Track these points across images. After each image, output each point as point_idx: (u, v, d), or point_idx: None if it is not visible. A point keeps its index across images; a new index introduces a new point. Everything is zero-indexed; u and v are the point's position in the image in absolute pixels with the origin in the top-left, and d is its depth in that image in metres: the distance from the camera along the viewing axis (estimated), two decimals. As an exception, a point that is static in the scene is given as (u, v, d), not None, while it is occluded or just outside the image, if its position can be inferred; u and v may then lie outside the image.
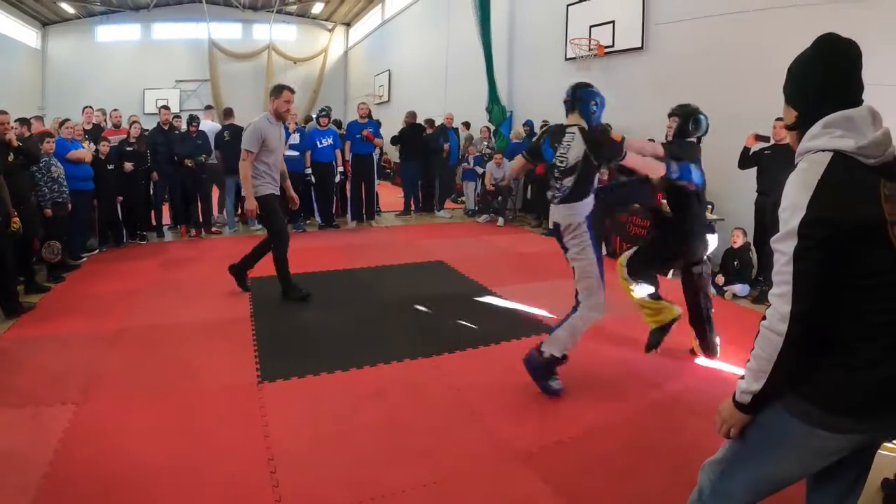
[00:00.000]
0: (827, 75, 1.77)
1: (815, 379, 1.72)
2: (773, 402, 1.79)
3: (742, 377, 1.81)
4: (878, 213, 1.60)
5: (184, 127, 9.61)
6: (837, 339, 1.69)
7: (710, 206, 7.56)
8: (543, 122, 10.94)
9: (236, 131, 9.46)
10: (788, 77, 1.87)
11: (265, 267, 7.21)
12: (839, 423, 1.68)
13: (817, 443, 1.72)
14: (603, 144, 4.02)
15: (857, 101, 1.73)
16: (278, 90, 6.09)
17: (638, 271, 4.86)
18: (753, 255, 6.85)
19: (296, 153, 9.63)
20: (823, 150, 1.67)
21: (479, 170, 12.00)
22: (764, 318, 1.72)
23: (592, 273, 4.14)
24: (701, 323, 4.94)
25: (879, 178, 1.64)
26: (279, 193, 6.27)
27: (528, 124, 11.77)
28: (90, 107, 10.61)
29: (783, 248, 1.66)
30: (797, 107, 1.83)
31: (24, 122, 7.60)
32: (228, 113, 10.37)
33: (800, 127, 1.79)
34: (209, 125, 10.53)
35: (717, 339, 4.91)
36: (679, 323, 4.94)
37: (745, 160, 6.74)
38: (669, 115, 4.82)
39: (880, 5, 6.12)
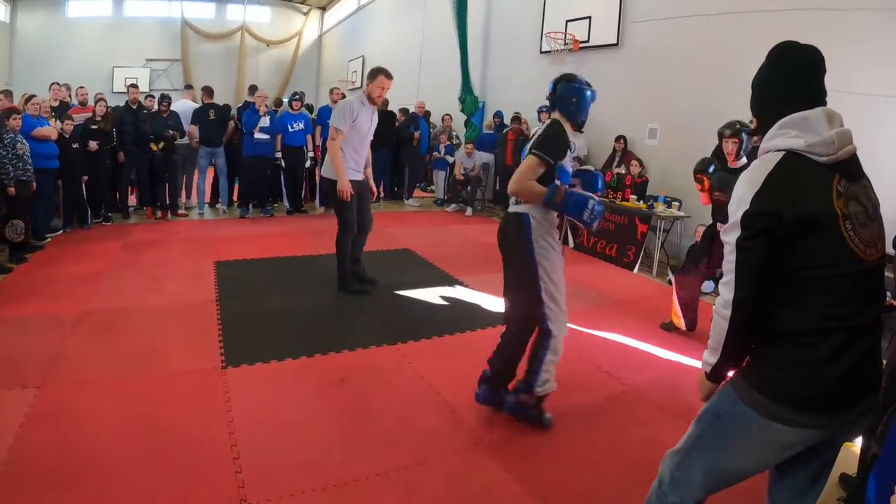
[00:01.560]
0: (783, 82, 1.85)
1: (770, 372, 1.78)
2: (730, 391, 1.87)
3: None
4: (828, 207, 1.67)
5: (155, 106, 9.44)
6: (791, 332, 1.74)
7: (676, 204, 7.67)
8: (515, 113, 10.97)
9: (221, 110, 9.39)
10: (752, 89, 1.95)
11: (234, 251, 7.18)
12: (792, 416, 1.72)
13: (772, 435, 1.77)
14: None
15: (816, 102, 1.80)
16: (374, 74, 5.85)
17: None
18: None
19: (266, 136, 9.54)
20: (777, 150, 1.75)
21: (450, 159, 12.01)
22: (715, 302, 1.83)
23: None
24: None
25: (833, 175, 1.71)
26: (356, 181, 5.85)
27: (498, 115, 11.83)
28: (57, 83, 10.42)
29: (728, 238, 1.76)
30: (758, 114, 1.91)
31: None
32: (209, 92, 10.21)
33: (760, 133, 1.87)
34: (186, 104, 10.36)
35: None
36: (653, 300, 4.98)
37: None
38: (728, 136, 4.71)
39: (846, 11, 6.22)
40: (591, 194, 3.51)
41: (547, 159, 3.38)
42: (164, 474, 3.03)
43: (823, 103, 1.80)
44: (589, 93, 3.59)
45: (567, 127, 3.54)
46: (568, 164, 3.64)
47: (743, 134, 4.68)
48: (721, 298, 1.79)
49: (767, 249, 1.69)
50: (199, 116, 9.76)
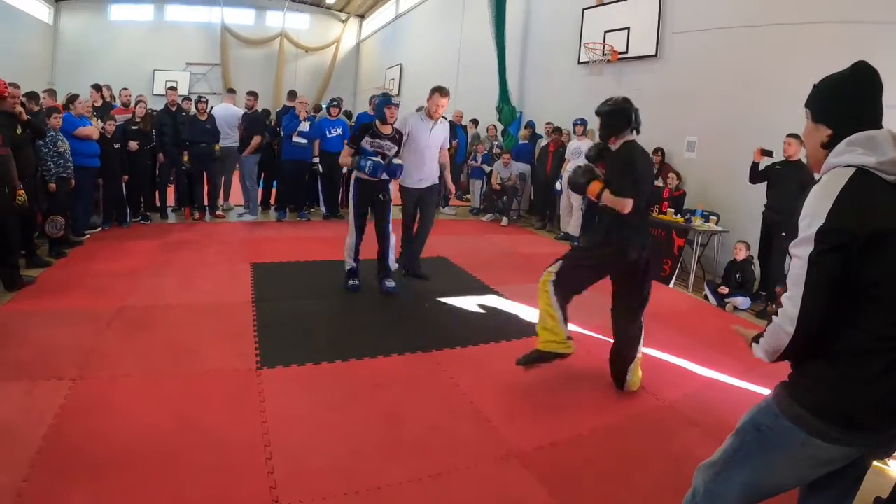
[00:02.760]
0: (862, 97, 1.84)
1: (817, 388, 1.75)
2: (772, 405, 1.85)
3: (760, 337, 1.90)
4: (894, 226, 1.65)
5: (193, 109, 9.55)
6: (844, 350, 1.72)
7: (714, 218, 7.57)
8: (547, 123, 10.93)
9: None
10: (821, 96, 1.91)
11: (269, 253, 7.24)
12: (836, 434, 1.71)
13: (813, 451, 1.75)
14: None
15: (880, 125, 1.79)
16: (431, 91, 6.53)
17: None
18: (756, 268, 6.84)
19: (304, 141, 9.61)
20: (846, 166, 1.72)
21: (487, 168, 11.98)
22: (776, 313, 1.79)
23: None
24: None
25: None
26: (420, 188, 6.67)
27: (530, 125, 11.78)
28: (97, 84, 10.60)
29: (799, 252, 1.71)
30: (833, 125, 1.84)
31: (31, 96, 7.58)
32: (255, 96, 10.28)
33: (832, 145, 1.82)
34: (229, 108, 10.44)
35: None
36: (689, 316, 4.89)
37: (755, 175, 6.70)
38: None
39: (889, 24, 6.10)
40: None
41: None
42: (196, 471, 3.05)
43: (881, 122, 1.81)
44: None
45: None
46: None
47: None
48: (784, 313, 1.74)
49: (839, 266, 1.66)
50: (257, 123, 9.92)
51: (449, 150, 11.77)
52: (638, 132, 4.26)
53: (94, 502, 2.77)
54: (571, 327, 5.50)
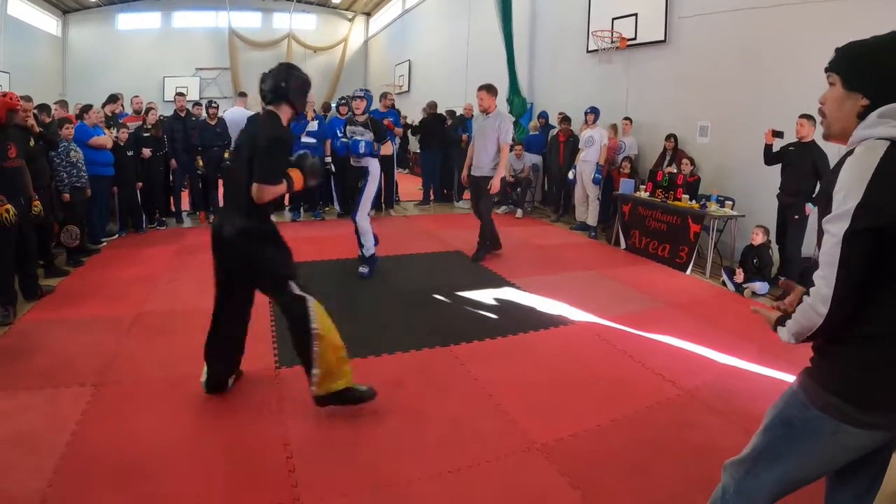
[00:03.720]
0: None
1: (847, 374, 1.71)
2: (800, 396, 1.80)
3: (783, 323, 1.86)
4: None
5: (203, 114, 9.59)
6: (875, 334, 1.67)
7: (730, 203, 7.51)
8: (560, 113, 10.87)
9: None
10: (858, 62, 1.80)
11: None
12: (868, 418, 1.67)
13: (844, 438, 1.72)
14: None
15: None
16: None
17: None
18: (774, 252, 6.77)
19: (313, 140, 9.64)
20: (880, 139, 1.65)
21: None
22: (807, 293, 1.73)
23: None
24: None
25: None
26: (476, 175, 7.58)
27: (543, 115, 11.73)
28: (114, 95, 10.65)
29: (834, 229, 1.64)
30: (871, 94, 1.74)
31: (42, 108, 7.64)
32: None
33: (866, 116, 1.74)
34: (240, 111, 10.42)
35: None
36: (707, 302, 4.84)
37: (770, 157, 6.65)
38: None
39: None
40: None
41: None
42: (218, 473, 3.07)
43: None
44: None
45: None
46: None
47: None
48: (817, 293, 1.68)
49: (875, 245, 1.60)
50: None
51: (461, 143, 11.86)
52: (290, 103, 3.68)
53: (119, 506, 2.79)
54: (589, 317, 5.53)
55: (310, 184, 3.87)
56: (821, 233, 1.72)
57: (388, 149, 6.52)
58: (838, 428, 1.70)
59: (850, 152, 1.71)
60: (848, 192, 1.61)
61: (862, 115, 1.75)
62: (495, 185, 7.27)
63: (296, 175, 3.70)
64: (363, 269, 6.66)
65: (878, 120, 1.68)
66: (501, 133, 7.26)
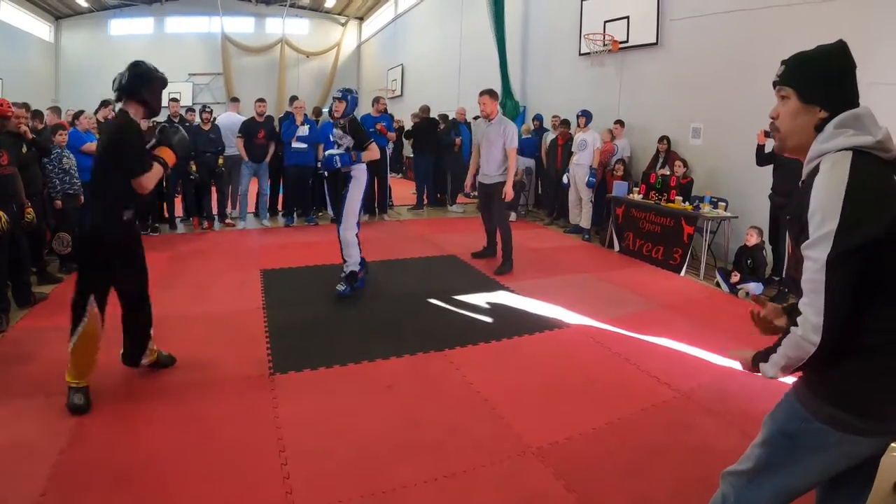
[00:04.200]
0: (851, 75, 1.76)
1: (849, 386, 1.69)
2: (800, 409, 1.78)
3: (766, 359, 1.80)
4: None
5: (196, 120, 9.58)
6: (875, 344, 1.65)
7: (723, 204, 7.54)
8: (554, 116, 10.89)
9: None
10: (811, 74, 1.78)
11: (280, 259, 7.26)
12: (873, 427, 1.67)
13: (847, 448, 1.71)
14: None
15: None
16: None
17: None
18: (768, 253, 6.79)
19: (304, 146, 9.65)
20: (839, 150, 1.65)
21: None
22: (795, 324, 1.66)
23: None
24: None
25: (893, 174, 1.64)
26: (484, 183, 7.56)
27: (538, 118, 11.74)
28: (106, 101, 10.61)
29: (815, 254, 1.60)
30: (828, 106, 1.74)
31: (36, 114, 7.62)
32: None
33: (823, 127, 1.73)
34: (232, 117, 10.45)
35: None
36: (701, 304, 4.83)
37: (762, 158, 6.68)
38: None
39: (889, 4, 6.05)
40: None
41: None
42: (213, 479, 3.05)
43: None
44: None
45: None
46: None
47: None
48: (806, 322, 1.62)
49: (861, 263, 1.57)
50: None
51: (454, 147, 11.85)
52: (139, 99, 3.78)
53: (112, 514, 2.78)
54: (583, 320, 5.53)
55: (184, 155, 4.14)
56: (799, 257, 1.69)
57: (373, 153, 6.05)
58: (842, 439, 1.68)
59: (814, 170, 1.69)
60: (824, 213, 1.58)
61: (819, 128, 1.74)
62: (509, 192, 7.23)
63: (165, 154, 3.93)
64: (340, 287, 6.13)
65: (834, 131, 1.68)
66: (508, 138, 7.21)
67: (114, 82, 3.84)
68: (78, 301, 3.79)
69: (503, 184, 7.23)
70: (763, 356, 1.81)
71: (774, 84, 1.86)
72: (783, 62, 1.85)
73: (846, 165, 1.60)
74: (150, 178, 3.71)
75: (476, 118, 9.06)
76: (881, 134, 1.64)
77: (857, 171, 1.58)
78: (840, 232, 1.55)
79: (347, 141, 6.04)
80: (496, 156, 7.29)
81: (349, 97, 6.07)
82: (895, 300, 1.63)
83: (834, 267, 1.56)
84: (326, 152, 6.12)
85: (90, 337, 3.80)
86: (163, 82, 3.90)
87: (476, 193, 8.05)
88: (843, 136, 1.65)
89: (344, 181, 6.11)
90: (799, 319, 1.64)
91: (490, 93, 7.33)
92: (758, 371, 1.83)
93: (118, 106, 3.80)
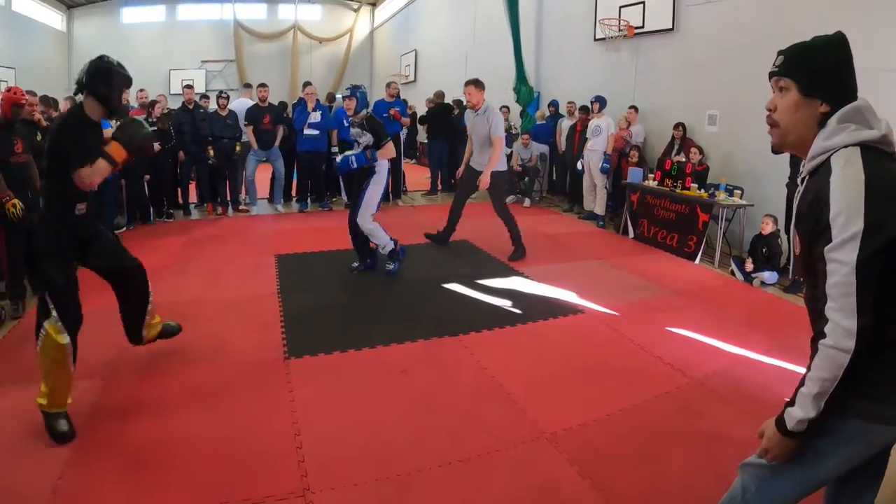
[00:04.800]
0: (852, 67, 1.72)
1: (875, 377, 1.65)
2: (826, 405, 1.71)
3: (792, 403, 1.70)
4: None
5: (212, 106, 9.60)
6: (892, 334, 1.62)
7: (738, 192, 7.48)
8: (570, 102, 10.82)
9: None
10: (813, 65, 1.73)
11: (294, 245, 7.28)
12: None
13: (872, 437, 1.68)
14: None
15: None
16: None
17: None
18: (783, 242, 6.73)
19: (316, 132, 9.67)
20: (845, 146, 1.61)
21: (507, 150, 11.89)
22: (823, 335, 1.60)
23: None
24: None
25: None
26: (475, 169, 7.44)
27: (554, 104, 11.66)
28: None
29: (843, 257, 1.54)
30: (831, 100, 1.69)
31: (49, 103, 7.64)
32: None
33: (825, 122, 1.69)
34: (245, 102, 10.38)
35: None
36: (715, 291, 4.81)
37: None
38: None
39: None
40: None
41: None
42: (229, 462, 3.08)
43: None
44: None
45: None
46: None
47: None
48: (837, 328, 1.56)
49: (888, 262, 1.53)
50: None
51: (466, 133, 11.77)
52: (95, 94, 3.62)
53: (129, 496, 2.81)
54: (598, 306, 5.52)
55: (138, 153, 3.77)
56: (811, 261, 1.67)
57: (389, 152, 6.05)
58: (870, 429, 1.66)
59: (819, 168, 1.66)
60: (848, 215, 1.53)
61: (821, 122, 1.69)
62: (484, 180, 7.11)
63: (114, 149, 3.55)
64: (389, 267, 6.34)
65: (838, 127, 1.64)
66: (492, 127, 7.17)
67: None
68: (39, 303, 3.49)
69: (495, 173, 7.17)
70: (790, 402, 1.71)
71: (771, 75, 1.82)
72: (780, 52, 1.81)
73: (859, 164, 1.57)
74: (91, 174, 3.41)
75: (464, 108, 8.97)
76: (884, 127, 1.61)
77: (870, 167, 1.56)
78: (867, 232, 1.51)
79: (367, 139, 6.03)
80: (484, 145, 7.31)
81: (358, 93, 6.08)
82: None
83: (864, 267, 1.52)
84: (340, 157, 6.21)
85: (53, 359, 3.39)
86: (125, 80, 3.72)
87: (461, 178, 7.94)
88: (848, 132, 1.62)
89: (367, 173, 6.15)
90: (828, 328, 1.59)
91: (475, 83, 7.34)
92: (791, 435, 1.70)
93: (79, 98, 3.64)
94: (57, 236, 3.52)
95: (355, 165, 5.99)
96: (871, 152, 1.58)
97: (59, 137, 3.45)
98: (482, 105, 7.30)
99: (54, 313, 3.42)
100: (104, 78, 3.63)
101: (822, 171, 1.65)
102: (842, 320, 1.55)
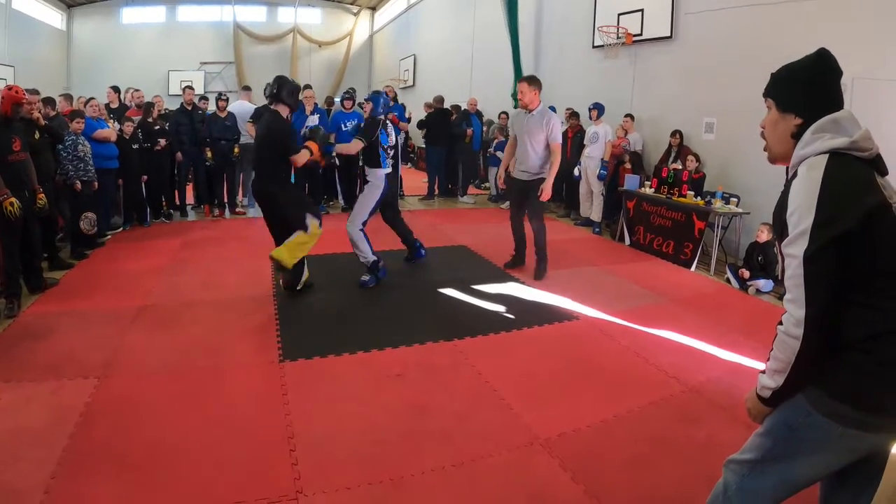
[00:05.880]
0: (830, 84, 1.84)
1: (851, 378, 1.69)
2: (802, 402, 1.78)
3: (763, 371, 1.85)
4: (881, 199, 1.65)
5: (210, 108, 9.61)
6: (866, 334, 1.67)
7: (735, 200, 7.49)
8: (567, 108, 10.83)
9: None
10: (788, 85, 1.91)
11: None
12: (875, 421, 1.67)
13: (850, 443, 1.71)
14: None
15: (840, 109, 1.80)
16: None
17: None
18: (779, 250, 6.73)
19: (313, 135, 9.63)
20: (818, 154, 1.71)
21: (501, 155, 11.88)
22: (780, 322, 1.73)
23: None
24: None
25: (872, 170, 1.71)
26: (520, 179, 6.76)
27: (552, 110, 11.66)
28: (116, 87, 10.71)
29: (794, 251, 1.67)
30: (803, 114, 1.83)
31: (48, 101, 7.65)
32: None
33: (801, 135, 1.81)
34: (244, 105, 10.41)
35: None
36: (711, 299, 4.81)
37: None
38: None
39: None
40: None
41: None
42: (222, 464, 3.08)
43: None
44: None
45: None
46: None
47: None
48: (789, 317, 1.69)
49: (838, 256, 1.62)
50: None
51: (465, 139, 11.80)
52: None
53: (121, 497, 2.80)
54: (593, 312, 5.52)
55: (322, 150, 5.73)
56: (783, 257, 1.75)
57: (346, 148, 6.36)
58: (844, 433, 1.69)
59: (794, 175, 1.76)
60: (801, 212, 1.66)
61: (796, 135, 1.83)
62: (547, 191, 6.46)
63: (313, 146, 5.61)
64: (364, 278, 6.23)
65: (812, 136, 1.76)
66: (552, 132, 6.47)
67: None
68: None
69: (542, 181, 6.50)
70: (762, 371, 1.86)
71: (763, 96, 1.99)
72: (771, 75, 1.97)
73: (821, 167, 1.67)
74: (302, 158, 5.37)
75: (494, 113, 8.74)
76: (857, 134, 1.70)
77: (830, 170, 1.66)
78: (815, 228, 1.62)
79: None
80: (538, 150, 6.54)
81: (381, 99, 6.42)
82: (889, 286, 1.65)
83: (811, 261, 1.63)
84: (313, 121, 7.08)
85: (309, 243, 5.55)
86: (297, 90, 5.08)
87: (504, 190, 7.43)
88: (821, 141, 1.73)
89: (364, 181, 6.68)
90: (784, 317, 1.72)
91: (529, 80, 6.62)
92: (765, 400, 1.88)
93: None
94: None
95: (317, 127, 6.71)
96: (839, 158, 1.69)
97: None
98: (538, 106, 6.57)
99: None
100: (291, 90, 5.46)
101: (793, 178, 1.77)
102: (793, 310, 1.68)
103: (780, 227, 1.77)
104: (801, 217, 1.65)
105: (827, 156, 1.69)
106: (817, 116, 1.77)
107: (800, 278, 1.64)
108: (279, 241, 5.47)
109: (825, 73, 1.83)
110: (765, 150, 2.00)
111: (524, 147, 6.60)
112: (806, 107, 1.82)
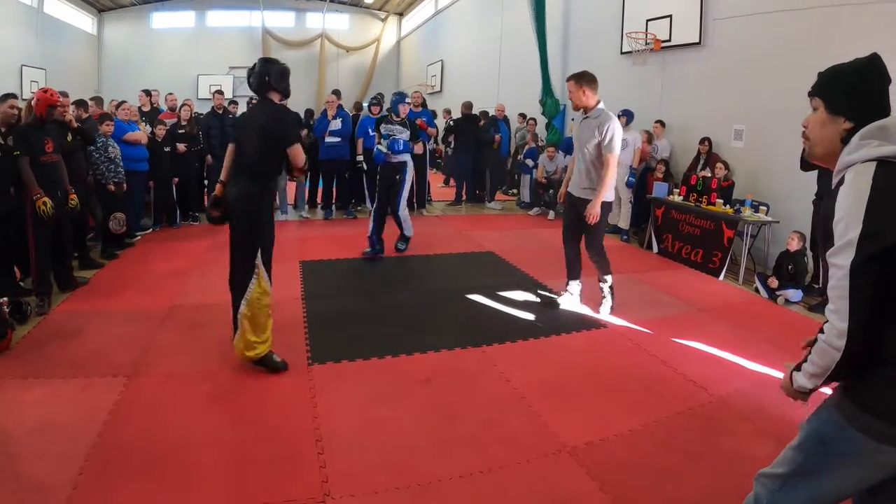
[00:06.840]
0: (882, 89, 1.80)
1: (882, 393, 1.66)
2: (836, 416, 1.76)
3: (797, 368, 1.83)
4: None
5: (240, 111, 9.68)
6: None
7: (764, 208, 7.41)
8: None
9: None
10: (840, 86, 1.85)
11: (318, 251, 7.31)
12: None
13: (882, 457, 1.68)
14: None
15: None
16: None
17: None
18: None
19: (337, 139, 9.74)
20: (865, 161, 1.67)
21: (530, 163, 11.86)
22: (821, 330, 1.70)
23: None
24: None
25: None
26: (573, 195, 5.74)
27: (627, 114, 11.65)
28: (147, 90, 10.83)
29: (840, 261, 1.63)
30: (854, 118, 1.78)
31: (80, 104, 7.76)
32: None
33: (849, 139, 1.77)
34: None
35: None
36: (740, 309, 4.77)
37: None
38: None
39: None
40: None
41: None
42: (250, 465, 3.10)
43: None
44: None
45: None
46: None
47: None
48: (832, 328, 1.65)
49: (883, 270, 1.58)
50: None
51: (493, 145, 11.77)
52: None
53: (148, 495, 2.84)
54: (621, 321, 5.48)
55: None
56: (826, 266, 1.71)
57: (419, 148, 6.96)
58: (877, 448, 1.66)
59: (840, 181, 1.72)
60: (848, 222, 1.62)
61: (845, 139, 1.78)
62: (593, 213, 5.38)
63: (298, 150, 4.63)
64: (400, 245, 7.80)
65: (859, 143, 1.70)
66: (604, 138, 5.38)
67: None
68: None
69: (603, 204, 5.47)
70: (797, 367, 1.83)
71: (809, 94, 1.93)
72: (819, 74, 1.91)
73: (869, 176, 1.63)
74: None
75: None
76: None
77: (878, 180, 1.61)
78: (862, 239, 1.58)
79: (405, 136, 7.21)
80: (591, 161, 5.51)
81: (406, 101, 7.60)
82: None
83: (857, 273, 1.59)
84: (388, 137, 7.25)
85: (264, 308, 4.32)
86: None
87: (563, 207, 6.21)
88: (868, 147, 1.67)
89: (399, 170, 7.32)
90: (825, 326, 1.68)
91: (577, 77, 5.60)
92: (796, 395, 1.87)
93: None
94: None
95: (401, 148, 7.18)
96: (887, 167, 1.63)
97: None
98: (595, 107, 5.58)
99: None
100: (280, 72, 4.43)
101: (839, 185, 1.72)
102: (836, 321, 1.64)
103: (825, 235, 1.73)
104: (848, 227, 1.61)
105: (875, 164, 1.64)
106: (868, 121, 1.72)
107: (844, 290, 1.61)
108: (235, 271, 4.63)
109: (880, 79, 1.80)
110: (804, 148, 1.97)
111: (577, 156, 5.68)
112: (858, 111, 1.77)
